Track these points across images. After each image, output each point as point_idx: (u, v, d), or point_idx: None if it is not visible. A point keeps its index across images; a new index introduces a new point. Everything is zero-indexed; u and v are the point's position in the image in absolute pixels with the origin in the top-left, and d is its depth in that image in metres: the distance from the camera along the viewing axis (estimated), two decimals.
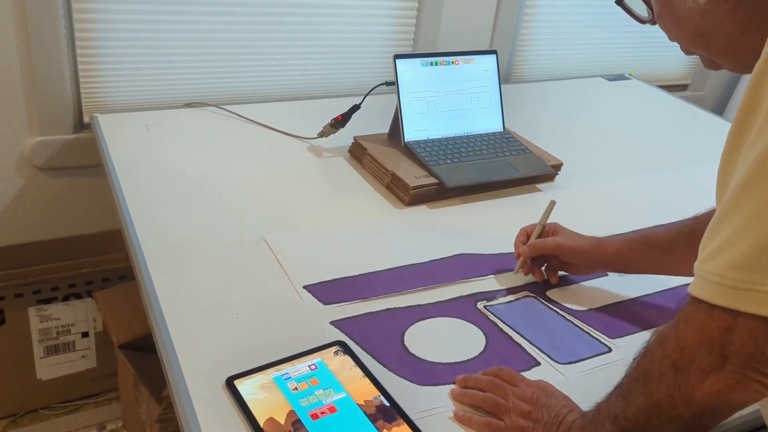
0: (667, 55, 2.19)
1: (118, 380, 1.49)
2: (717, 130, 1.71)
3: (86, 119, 1.47)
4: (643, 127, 1.68)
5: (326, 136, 1.36)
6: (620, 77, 1.99)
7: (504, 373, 0.81)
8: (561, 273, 1.04)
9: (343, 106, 1.36)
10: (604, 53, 2.07)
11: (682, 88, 2.30)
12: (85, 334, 1.60)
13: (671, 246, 0.91)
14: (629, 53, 2.11)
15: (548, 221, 1.03)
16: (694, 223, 0.91)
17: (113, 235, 1.55)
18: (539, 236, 1.02)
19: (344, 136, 1.35)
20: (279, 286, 0.95)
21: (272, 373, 0.79)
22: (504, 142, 1.33)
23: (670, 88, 2.18)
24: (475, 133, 1.34)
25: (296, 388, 0.77)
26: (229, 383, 0.77)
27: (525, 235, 1.03)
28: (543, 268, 1.03)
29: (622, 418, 0.65)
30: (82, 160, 1.48)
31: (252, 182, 1.21)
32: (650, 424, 0.62)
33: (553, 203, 1.03)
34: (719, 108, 2.43)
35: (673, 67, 2.24)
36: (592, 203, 1.27)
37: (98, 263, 1.55)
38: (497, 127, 1.37)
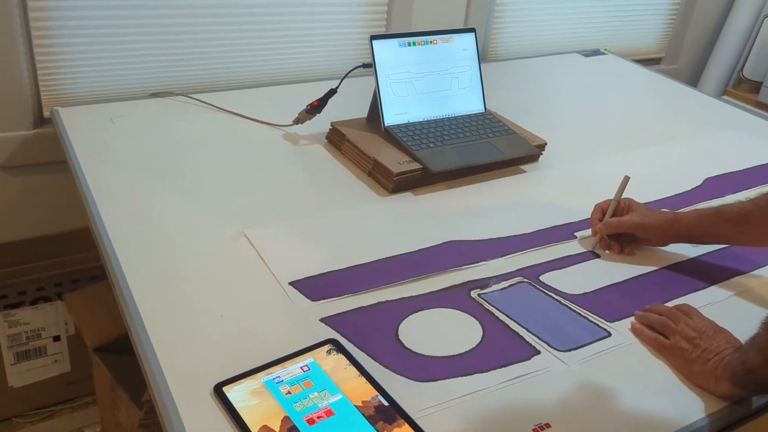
0: (641, 29, 2.17)
1: (94, 384, 1.43)
2: (692, 102, 1.70)
3: (46, 113, 1.39)
4: (622, 102, 1.66)
5: (302, 123, 1.31)
6: (596, 52, 1.97)
7: (684, 307, 0.89)
8: (561, 255, 1.03)
9: (318, 90, 1.30)
10: (579, 29, 2.04)
11: (657, 61, 2.29)
12: (56, 338, 1.53)
13: (745, 218, 0.94)
14: (604, 28, 2.09)
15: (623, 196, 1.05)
16: None
17: (81, 233, 1.48)
18: (614, 212, 1.03)
19: (321, 122, 1.30)
20: (263, 283, 0.91)
21: (263, 377, 0.75)
22: (486, 123, 1.29)
23: (644, 62, 2.16)
24: (456, 114, 1.30)
25: (289, 392, 0.73)
26: (218, 390, 0.73)
27: (600, 211, 1.06)
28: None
29: (765, 347, 0.71)
30: (44, 157, 1.40)
31: (226, 174, 1.15)
32: None
33: (627, 179, 1.05)
34: (693, 80, 2.42)
35: (647, 41, 2.23)
36: (579, 182, 1.25)
37: (67, 264, 1.48)
38: (479, 107, 1.33)
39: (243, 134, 1.29)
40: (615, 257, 1.04)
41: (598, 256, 1.04)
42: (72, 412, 1.58)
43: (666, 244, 1.05)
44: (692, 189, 1.26)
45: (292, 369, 0.76)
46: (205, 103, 1.38)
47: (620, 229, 1.03)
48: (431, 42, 1.29)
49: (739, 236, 0.97)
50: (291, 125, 1.32)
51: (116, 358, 1.32)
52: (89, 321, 1.36)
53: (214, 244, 0.97)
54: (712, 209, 0.98)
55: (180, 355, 0.78)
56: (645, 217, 1.02)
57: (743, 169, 1.35)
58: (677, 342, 0.83)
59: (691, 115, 1.62)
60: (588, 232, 1.09)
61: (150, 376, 0.75)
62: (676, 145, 1.44)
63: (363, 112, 1.29)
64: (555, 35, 2.00)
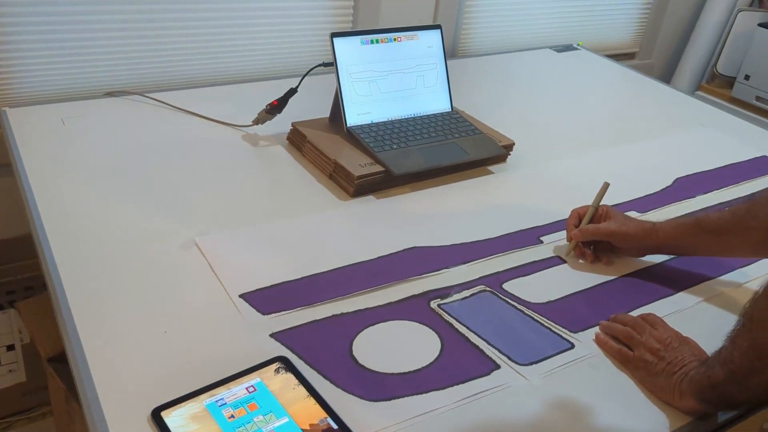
0: (615, 23, 2.15)
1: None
2: (666, 98, 1.68)
3: None
4: (594, 99, 1.63)
5: (262, 123, 1.26)
6: (569, 48, 1.93)
7: (650, 317, 0.86)
8: (526, 261, 1.00)
9: (278, 89, 1.26)
10: (551, 23, 2.01)
11: (630, 56, 2.27)
12: (10, 347, 1.47)
13: (724, 228, 0.90)
14: (577, 23, 2.05)
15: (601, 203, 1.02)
16: (750, 204, 0.89)
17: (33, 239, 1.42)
18: (591, 219, 1.00)
19: (281, 123, 1.25)
20: (212, 296, 0.86)
21: (205, 399, 0.71)
22: (453, 123, 1.26)
23: (618, 57, 2.14)
24: (421, 114, 1.26)
25: (233, 416, 0.69)
26: (156, 415, 0.68)
27: (577, 217, 1.02)
28: (591, 248, 1.02)
29: (730, 360, 0.69)
30: None
31: (182, 178, 1.10)
32: (753, 367, 0.66)
33: (606, 185, 1.02)
34: (667, 75, 2.41)
35: (620, 36, 2.20)
36: (547, 183, 1.21)
37: (19, 270, 1.42)
38: (445, 106, 1.29)
39: (201, 135, 1.24)
40: (584, 265, 1.00)
41: (564, 261, 1.01)
42: (28, 423, 1.53)
43: (642, 255, 1.01)
44: (662, 189, 1.23)
45: (237, 390, 0.72)
46: (162, 102, 1.32)
47: (596, 236, 0.99)
48: (395, 39, 1.24)
49: (718, 247, 0.93)
50: (250, 125, 1.27)
51: (71, 369, 1.27)
52: (43, 330, 1.31)
53: (164, 254, 0.92)
54: (690, 219, 0.94)
55: (118, 376, 0.73)
56: (623, 226, 0.98)
57: (713, 169, 1.33)
58: (641, 354, 0.80)
59: (663, 112, 1.59)
60: (556, 236, 1.05)
61: (83, 398, 0.71)
62: (648, 144, 1.41)
63: (325, 112, 1.25)
64: (527, 30, 1.97)
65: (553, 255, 1.02)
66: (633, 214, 1.12)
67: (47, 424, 1.52)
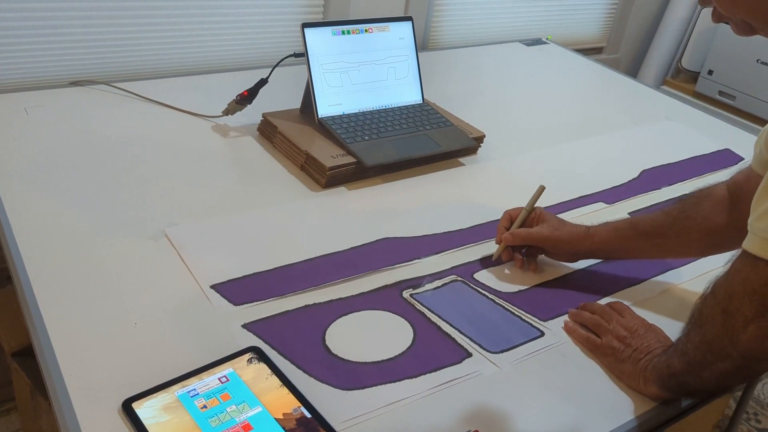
0: (583, 18, 2.17)
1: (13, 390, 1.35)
2: (632, 92, 1.71)
3: None
4: (563, 92, 1.65)
5: (232, 114, 1.25)
6: (538, 42, 1.95)
7: (617, 305, 0.88)
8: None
9: (249, 80, 1.25)
10: (520, 17, 2.02)
11: (598, 50, 2.30)
12: None
13: (659, 230, 0.90)
14: (546, 17, 2.08)
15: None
16: (682, 205, 0.90)
17: None
18: (524, 222, 0.97)
19: (252, 114, 1.24)
20: (183, 287, 0.85)
21: (177, 390, 0.70)
22: (424, 114, 1.26)
23: (586, 51, 2.17)
24: (393, 106, 1.26)
25: (205, 406, 0.69)
26: (126, 407, 0.68)
27: (509, 219, 0.98)
28: (522, 252, 0.98)
29: (685, 353, 0.72)
30: None
31: (149, 169, 1.09)
32: (706, 360, 0.69)
33: (542, 188, 0.98)
34: (633, 70, 2.45)
35: (588, 30, 2.23)
36: (518, 176, 1.23)
37: None
38: (416, 98, 1.29)
39: (169, 126, 1.23)
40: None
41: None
42: None
43: (575, 260, 0.97)
44: (628, 181, 1.26)
45: (210, 380, 0.72)
46: (129, 92, 1.30)
47: (527, 241, 0.95)
48: (366, 30, 1.24)
49: (654, 250, 0.92)
50: (220, 116, 1.25)
51: (36, 364, 1.25)
52: (6, 324, 1.28)
53: (133, 246, 0.91)
54: (626, 221, 0.93)
55: (87, 369, 0.72)
56: (555, 230, 0.94)
57: (679, 161, 1.36)
58: (609, 341, 0.82)
59: (630, 106, 1.62)
60: None
61: (52, 393, 0.70)
62: (614, 136, 1.44)
63: (296, 103, 1.24)
64: (497, 24, 1.98)
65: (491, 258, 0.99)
66: (600, 205, 1.14)
67: (12, 420, 1.49)
